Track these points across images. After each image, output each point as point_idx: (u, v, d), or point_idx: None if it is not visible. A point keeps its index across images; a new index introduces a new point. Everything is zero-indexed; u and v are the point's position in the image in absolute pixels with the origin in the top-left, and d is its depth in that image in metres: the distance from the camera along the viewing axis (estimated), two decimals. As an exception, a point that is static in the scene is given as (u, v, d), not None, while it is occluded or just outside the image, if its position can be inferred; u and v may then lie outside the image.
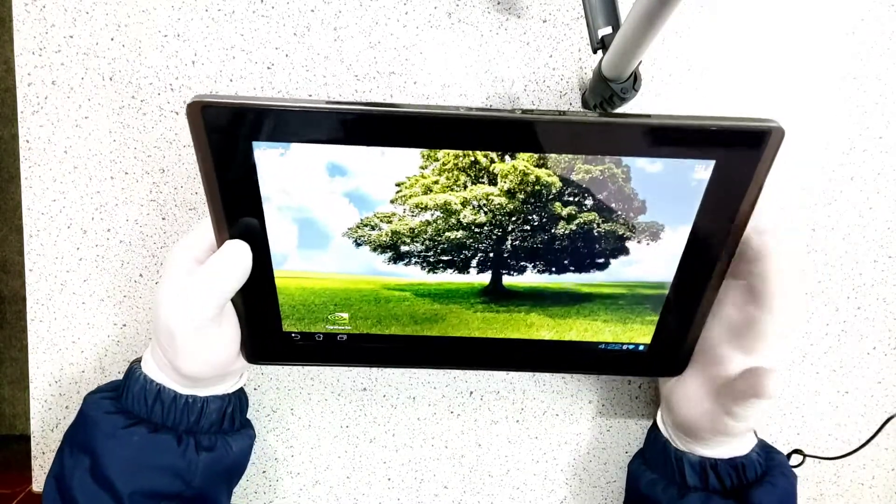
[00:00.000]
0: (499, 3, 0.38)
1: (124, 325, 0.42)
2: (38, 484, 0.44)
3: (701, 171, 0.30)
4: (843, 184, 0.42)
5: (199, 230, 0.34)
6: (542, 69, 0.39)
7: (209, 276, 0.32)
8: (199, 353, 0.33)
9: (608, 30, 0.34)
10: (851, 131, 0.41)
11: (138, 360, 0.37)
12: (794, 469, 0.38)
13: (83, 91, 0.38)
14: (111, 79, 0.38)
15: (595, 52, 0.34)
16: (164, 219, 0.40)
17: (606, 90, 0.34)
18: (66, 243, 0.40)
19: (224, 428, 0.38)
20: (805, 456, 0.41)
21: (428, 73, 0.39)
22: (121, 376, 0.42)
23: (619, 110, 0.39)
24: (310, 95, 0.39)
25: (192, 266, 0.33)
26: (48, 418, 0.43)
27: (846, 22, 0.40)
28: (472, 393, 0.44)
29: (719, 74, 0.40)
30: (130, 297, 0.41)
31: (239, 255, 0.33)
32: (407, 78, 0.39)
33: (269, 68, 0.38)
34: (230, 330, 0.35)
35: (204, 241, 0.33)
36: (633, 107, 0.40)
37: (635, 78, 0.33)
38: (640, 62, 0.32)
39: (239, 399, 0.39)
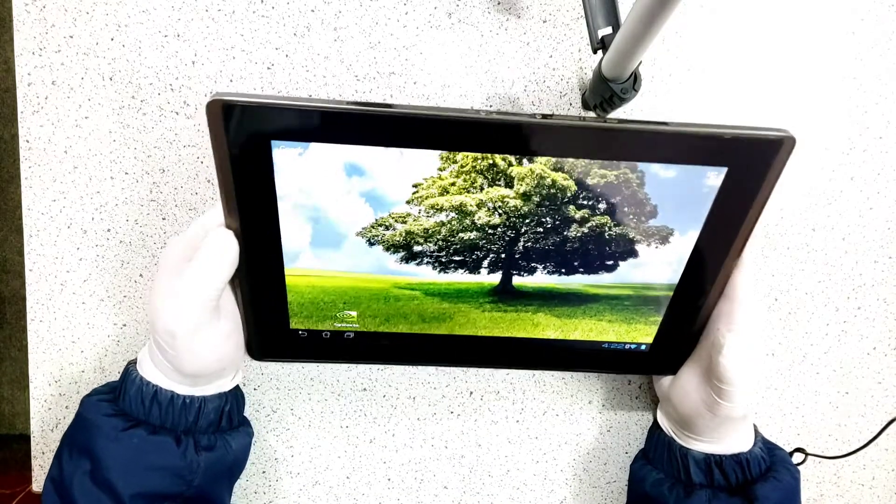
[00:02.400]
0: (499, 3, 0.38)
1: (124, 325, 0.42)
2: (38, 484, 0.44)
3: (713, 177, 0.31)
4: (843, 184, 0.42)
5: (190, 230, 0.34)
6: (542, 69, 0.39)
7: (197, 272, 0.32)
8: (200, 350, 0.34)
9: (608, 30, 0.34)
10: (851, 131, 0.41)
11: (134, 362, 0.37)
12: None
13: (83, 91, 0.38)
14: (111, 79, 0.38)
15: (595, 52, 0.34)
16: (164, 219, 0.40)
17: (606, 90, 0.34)
18: (66, 243, 0.40)
19: (222, 427, 0.38)
20: (807, 455, 0.41)
21: (428, 74, 0.39)
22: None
23: (620, 110, 0.39)
24: (310, 96, 0.39)
25: (181, 266, 0.33)
26: (48, 418, 0.43)
27: (846, 22, 0.40)
28: (472, 393, 0.44)
29: (719, 74, 0.40)
30: (130, 297, 0.41)
31: (223, 246, 0.32)
32: (407, 78, 0.39)
33: (269, 68, 0.38)
34: (228, 323, 0.35)
35: (194, 240, 0.33)
36: (632, 107, 0.40)
37: (635, 78, 0.33)
38: (640, 62, 0.32)
39: (236, 397, 0.39)
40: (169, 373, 0.35)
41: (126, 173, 0.40)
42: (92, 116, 0.39)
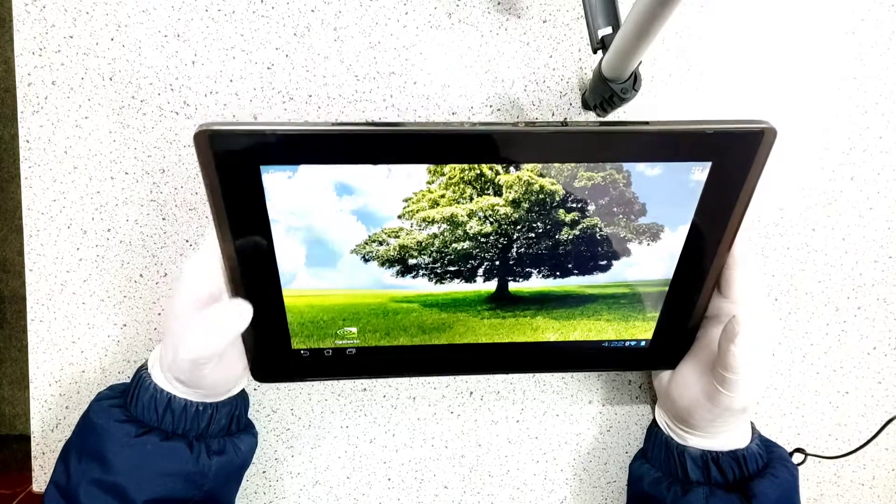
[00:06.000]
0: (499, 4, 0.38)
1: (124, 325, 0.42)
2: (38, 484, 0.44)
3: (698, 172, 0.31)
4: (843, 184, 0.42)
5: (210, 247, 0.33)
6: (542, 69, 0.39)
7: (214, 326, 0.32)
8: (218, 377, 0.35)
9: (608, 30, 0.34)
10: (851, 131, 0.41)
11: (145, 367, 0.36)
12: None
13: (83, 91, 0.38)
14: (111, 79, 0.38)
15: (595, 52, 0.34)
16: (164, 219, 0.40)
17: (606, 90, 0.34)
18: (66, 243, 0.40)
19: (231, 430, 0.38)
20: (807, 455, 0.41)
21: (428, 74, 0.39)
22: (121, 376, 0.42)
23: (618, 111, 0.39)
24: (310, 96, 0.39)
25: (204, 300, 0.33)
26: (48, 418, 0.43)
27: (846, 22, 0.40)
28: (472, 393, 0.44)
29: (719, 74, 0.40)
30: (130, 297, 0.41)
31: (238, 314, 0.33)
32: (407, 78, 0.39)
33: (269, 68, 0.38)
34: (237, 352, 0.36)
35: (218, 261, 0.33)
36: (633, 107, 0.40)
37: (635, 78, 0.33)
38: (640, 62, 0.32)
39: (243, 400, 0.40)
40: (181, 387, 0.35)
41: (126, 173, 0.40)
42: (92, 116, 0.39)
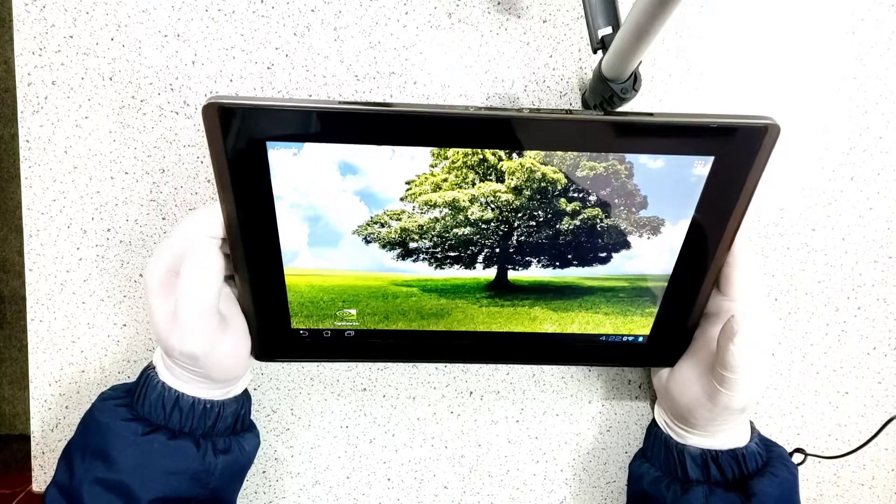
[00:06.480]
0: (499, 3, 0.38)
1: (124, 325, 0.42)
2: (38, 484, 0.44)
3: (700, 166, 0.31)
4: (843, 184, 0.42)
5: (169, 243, 0.33)
6: (542, 69, 0.39)
7: (187, 290, 0.32)
8: (224, 360, 0.35)
9: (608, 30, 0.34)
10: (851, 131, 0.41)
11: (152, 367, 0.36)
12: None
13: (83, 91, 0.38)
14: (111, 79, 0.38)
15: (595, 52, 0.34)
16: (164, 219, 0.40)
17: (606, 90, 0.34)
18: (66, 243, 0.40)
19: (236, 429, 0.38)
20: (806, 455, 0.41)
21: (428, 73, 0.39)
22: (121, 376, 0.43)
23: (619, 110, 0.39)
24: (310, 95, 0.39)
25: (170, 284, 0.33)
26: (48, 418, 0.43)
27: (846, 22, 0.40)
28: (472, 393, 0.44)
29: (719, 74, 0.40)
30: (130, 297, 0.41)
31: (204, 258, 0.32)
32: (407, 78, 0.39)
33: (269, 68, 0.38)
34: (239, 325, 0.36)
35: (175, 253, 0.33)
36: (632, 107, 0.40)
37: (635, 78, 0.33)
38: (640, 62, 0.32)
39: (247, 400, 0.40)
40: (188, 380, 0.35)
41: (126, 173, 0.40)
42: (92, 116, 0.39)
